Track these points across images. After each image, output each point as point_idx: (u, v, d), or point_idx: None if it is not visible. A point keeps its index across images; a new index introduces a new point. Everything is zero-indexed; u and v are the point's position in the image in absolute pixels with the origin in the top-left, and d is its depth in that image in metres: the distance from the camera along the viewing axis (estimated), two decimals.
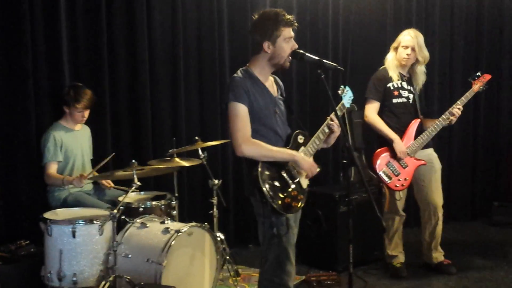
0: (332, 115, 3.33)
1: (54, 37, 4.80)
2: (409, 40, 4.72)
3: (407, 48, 4.72)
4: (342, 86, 3.66)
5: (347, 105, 3.59)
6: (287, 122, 3.43)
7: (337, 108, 3.48)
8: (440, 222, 4.89)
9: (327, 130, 3.36)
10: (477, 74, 4.93)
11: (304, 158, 3.25)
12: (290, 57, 3.23)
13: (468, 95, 4.80)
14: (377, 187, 5.04)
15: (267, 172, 3.12)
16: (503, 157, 7.04)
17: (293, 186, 3.20)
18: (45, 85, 4.79)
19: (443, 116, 4.72)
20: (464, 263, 5.18)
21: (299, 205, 3.23)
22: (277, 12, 3.19)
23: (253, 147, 3.11)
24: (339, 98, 3.63)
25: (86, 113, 4.63)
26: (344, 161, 3.45)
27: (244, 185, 3.30)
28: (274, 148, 3.17)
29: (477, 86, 4.86)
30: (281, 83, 3.49)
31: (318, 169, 3.40)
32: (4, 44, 4.64)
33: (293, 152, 3.23)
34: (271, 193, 3.07)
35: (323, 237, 5.02)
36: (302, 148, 3.34)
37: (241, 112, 3.13)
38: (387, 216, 4.93)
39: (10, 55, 4.67)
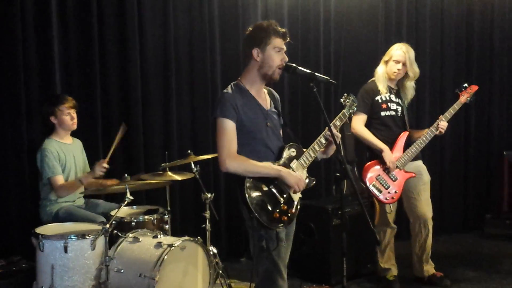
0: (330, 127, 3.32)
1: (46, 52, 4.81)
2: (401, 55, 4.73)
3: (398, 62, 4.74)
4: (346, 94, 3.67)
5: (351, 111, 3.61)
6: (281, 135, 3.42)
7: (337, 117, 3.50)
8: (430, 235, 4.87)
9: (324, 141, 3.35)
10: (464, 85, 4.98)
11: (290, 173, 3.19)
12: (280, 69, 3.23)
13: (456, 106, 4.85)
14: (368, 200, 5.04)
15: (254, 187, 3.11)
16: (495, 169, 7.07)
17: (282, 200, 3.17)
18: (36, 100, 4.79)
19: (432, 129, 4.74)
20: (457, 276, 5.17)
21: (289, 219, 3.20)
22: (269, 23, 3.23)
23: (237, 163, 3.11)
24: (341, 107, 3.64)
25: (74, 114, 4.57)
26: (337, 174, 3.42)
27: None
28: (259, 163, 3.15)
29: (464, 98, 4.90)
30: (276, 96, 3.49)
31: (313, 182, 3.40)
32: None
33: (279, 168, 3.19)
34: (257, 207, 3.07)
35: (316, 250, 5.01)
36: (295, 161, 3.30)
37: (227, 128, 3.13)
38: (379, 229, 4.91)
39: (1, 70, 4.67)
